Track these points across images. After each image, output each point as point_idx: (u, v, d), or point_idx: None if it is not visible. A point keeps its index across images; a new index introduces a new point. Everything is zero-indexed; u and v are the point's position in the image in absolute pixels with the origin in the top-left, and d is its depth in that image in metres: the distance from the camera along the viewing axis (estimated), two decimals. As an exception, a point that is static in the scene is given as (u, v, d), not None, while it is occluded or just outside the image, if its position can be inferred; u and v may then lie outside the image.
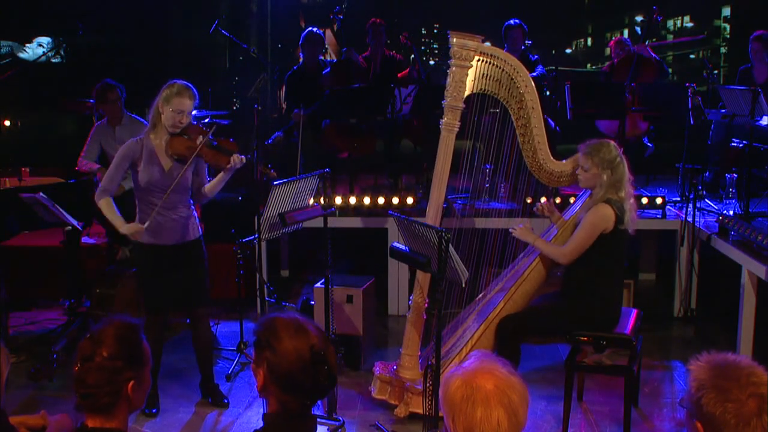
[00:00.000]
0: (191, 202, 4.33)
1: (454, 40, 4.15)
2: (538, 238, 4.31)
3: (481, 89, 4.24)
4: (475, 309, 4.48)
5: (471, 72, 4.19)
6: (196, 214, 4.38)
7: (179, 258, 4.28)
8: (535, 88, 4.27)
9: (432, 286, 4.32)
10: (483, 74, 4.22)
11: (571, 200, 5.08)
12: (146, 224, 4.10)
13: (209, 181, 4.35)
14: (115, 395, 2.14)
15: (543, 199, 5.66)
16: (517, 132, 4.32)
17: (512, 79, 4.23)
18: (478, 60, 4.19)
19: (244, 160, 4.22)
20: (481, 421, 1.83)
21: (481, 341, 4.27)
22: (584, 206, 4.29)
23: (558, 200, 5.70)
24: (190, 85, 4.14)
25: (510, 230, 4.39)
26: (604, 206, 4.06)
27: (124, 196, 5.84)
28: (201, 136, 4.14)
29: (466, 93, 4.21)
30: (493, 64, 4.21)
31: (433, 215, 4.29)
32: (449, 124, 4.22)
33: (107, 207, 4.15)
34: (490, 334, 4.28)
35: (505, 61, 4.21)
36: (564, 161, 4.39)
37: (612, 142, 4.18)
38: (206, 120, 6.54)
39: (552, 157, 4.37)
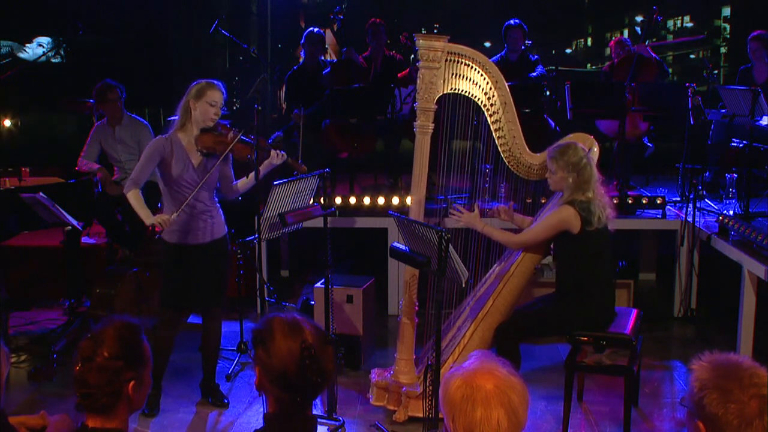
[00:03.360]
0: (216, 199, 4.37)
1: (421, 41, 4.13)
2: (486, 225, 4.32)
3: (452, 89, 4.23)
4: (465, 309, 4.48)
5: (440, 72, 4.18)
6: (222, 211, 4.40)
7: (204, 257, 4.30)
8: (506, 84, 4.27)
9: (422, 288, 4.33)
10: (453, 73, 4.21)
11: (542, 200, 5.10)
12: (173, 215, 4.10)
13: (241, 178, 4.41)
14: (115, 395, 2.13)
15: (543, 200, 5.66)
16: (492, 128, 4.33)
17: (482, 76, 4.24)
18: (447, 60, 4.18)
19: (285, 157, 4.31)
20: (481, 421, 1.83)
21: (473, 340, 4.27)
22: (550, 212, 4.32)
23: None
24: (217, 81, 4.23)
25: (452, 215, 4.39)
26: (566, 208, 4.08)
27: (124, 196, 5.85)
28: (231, 132, 4.21)
29: (439, 94, 4.20)
30: (463, 63, 4.20)
31: (415, 216, 4.27)
32: (423, 126, 4.21)
33: (135, 198, 4.15)
34: (481, 333, 4.29)
35: (473, 58, 4.21)
36: (539, 154, 4.40)
37: (579, 144, 4.18)
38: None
39: (528, 150, 4.38)
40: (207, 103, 4.14)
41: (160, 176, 4.22)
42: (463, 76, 4.22)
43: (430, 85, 4.16)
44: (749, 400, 1.80)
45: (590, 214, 4.05)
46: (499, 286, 4.37)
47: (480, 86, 4.25)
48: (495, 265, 4.59)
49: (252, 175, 4.35)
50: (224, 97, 4.23)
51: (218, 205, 4.39)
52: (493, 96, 4.27)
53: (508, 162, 4.40)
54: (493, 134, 4.34)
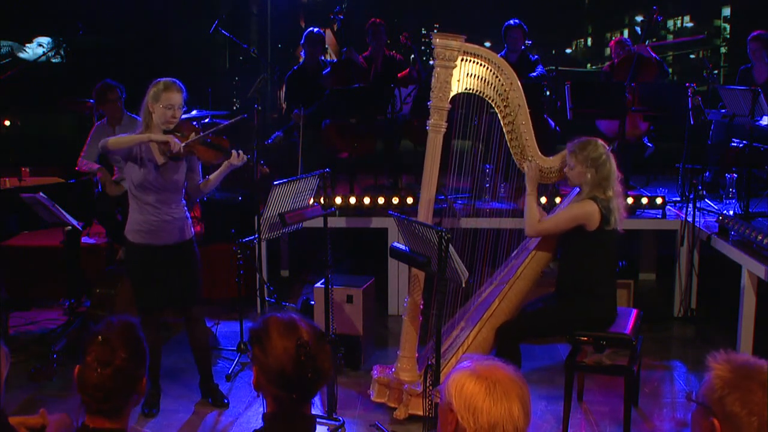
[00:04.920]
0: (184, 202, 4.34)
1: (437, 40, 4.15)
2: (534, 193, 4.30)
3: (466, 89, 4.24)
4: (470, 309, 4.48)
5: (456, 72, 4.19)
6: (189, 215, 4.38)
7: (172, 259, 4.26)
8: (520, 86, 4.27)
9: (426, 287, 4.33)
10: (468, 73, 4.22)
11: (557, 200, 5.08)
12: (188, 141, 4.06)
13: (206, 178, 4.36)
14: (130, 395, 2.19)
15: (543, 199, 5.66)
16: (505, 130, 4.33)
17: (497, 77, 4.24)
18: (463, 59, 4.19)
19: (245, 159, 4.24)
20: (503, 415, 1.83)
21: (477, 340, 4.27)
22: (571, 204, 4.31)
23: (558, 200, 5.70)
24: (175, 80, 4.15)
25: (527, 164, 4.35)
26: (590, 203, 4.06)
27: (125, 196, 5.85)
28: (193, 134, 4.15)
29: (452, 93, 4.20)
30: (478, 63, 4.21)
31: (424, 215, 4.29)
32: (436, 124, 4.22)
33: (118, 138, 4.10)
34: (485, 333, 4.29)
35: (488, 59, 4.22)
36: (551, 157, 4.39)
37: (599, 141, 4.16)
38: (206, 120, 6.55)
39: (540, 154, 4.37)
40: (163, 107, 4.07)
41: (127, 177, 4.19)
42: (478, 77, 4.23)
43: (444, 84, 4.17)
44: None
45: (610, 213, 4.05)
46: (505, 289, 4.36)
47: (495, 87, 4.25)
48: (501, 266, 4.59)
49: (213, 176, 4.30)
50: (184, 96, 4.14)
51: (185, 208, 4.34)
52: (507, 98, 4.26)
53: (519, 164, 4.38)
54: (505, 136, 4.33)
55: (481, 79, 4.24)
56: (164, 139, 4.04)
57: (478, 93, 4.26)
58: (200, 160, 4.27)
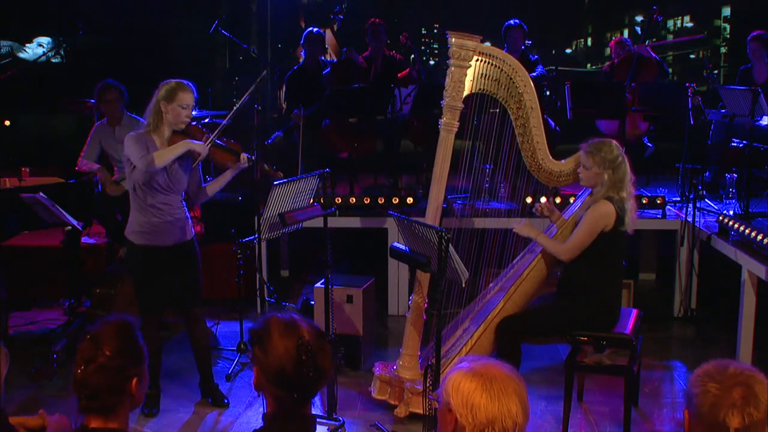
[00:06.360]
0: (184, 204, 4.34)
1: (453, 40, 4.15)
2: (541, 234, 4.31)
3: (480, 89, 4.24)
4: (474, 309, 4.48)
5: (470, 72, 4.20)
6: (189, 215, 4.38)
7: (174, 259, 4.27)
8: (534, 88, 4.26)
9: (432, 286, 4.32)
10: (482, 74, 4.22)
11: (571, 200, 5.08)
12: (207, 142, 4.09)
13: (209, 180, 4.36)
14: (119, 394, 2.16)
15: (543, 199, 5.67)
16: (516, 132, 4.32)
17: (511, 78, 4.23)
18: (477, 60, 4.19)
19: (253, 161, 4.28)
20: (501, 412, 1.84)
21: (480, 341, 4.26)
22: (584, 205, 4.30)
23: (558, 200, 5.70)
24: (187, 81, 4.17)
25: (512, 228, 4.39)
26: (605, 203, 4.06)
27: (125, 196, 5.85)
28: (206, 135, 4.17)
29: (465, 93, 4.21)
30: (492, 64, 4.21)
31: (432, 215, 4.30)
32: (448, 124, 4.22)
33: (162, 155, 3.99)
34: (489, 334, 4.28)
35: (503, 60, 4.21)
36: (563, 161, 4.39)
37: (614, 142, 4.17)
38: (206, 120, 6.55)
39: (551, 157, 4.37)
40: (179, 107, 4.07)
41: (131, 176, 4.16)
42: (492, 78, 4.23)
43: (458, 84, 4.18)
44: (732, 386, 1.83)
45: (624, 213, 4.05)
46: (511, 289, 4.35)
47: (508, 89, 4.25)
48: (508, 267, 4.59)
49: (221, 178, 4.32)
50: (195, 97, 4.16)
51: (186, 209, 4.34)
52: (521, 100, 4.26)
53: (530, 167, 4.37)
54: (517, 138, 4.32)
55: (495, 80, 4.23)
56: (199, 148, 4.06)
57: (491, 94, 4.25)
58: (216, 163, 4.30)
